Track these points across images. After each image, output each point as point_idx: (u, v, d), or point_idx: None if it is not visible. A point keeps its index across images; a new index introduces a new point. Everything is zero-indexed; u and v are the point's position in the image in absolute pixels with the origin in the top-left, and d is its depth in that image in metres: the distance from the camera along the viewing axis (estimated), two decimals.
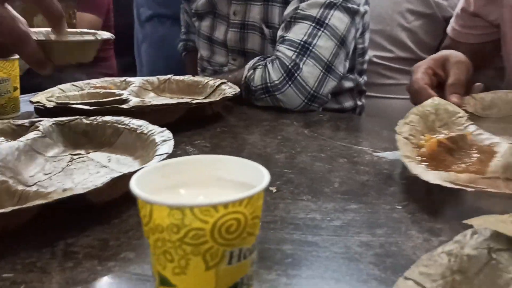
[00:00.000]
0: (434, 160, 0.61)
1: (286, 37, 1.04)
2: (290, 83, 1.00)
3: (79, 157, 0.69)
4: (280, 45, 1.04)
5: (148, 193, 0.31)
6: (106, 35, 0.70)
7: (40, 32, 0.63)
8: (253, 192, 0.30)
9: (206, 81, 1.06)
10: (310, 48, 1.01)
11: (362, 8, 1.08)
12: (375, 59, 1.49)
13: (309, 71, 1.00)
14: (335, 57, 1.03)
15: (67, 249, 0.48)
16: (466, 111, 0.73)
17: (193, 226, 0.29)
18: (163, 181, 0.34)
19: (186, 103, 0.88)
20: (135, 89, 1.02)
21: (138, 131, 0.70)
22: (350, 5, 1.05)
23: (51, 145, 0.70)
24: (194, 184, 0.35)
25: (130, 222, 0.53)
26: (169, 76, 1.10)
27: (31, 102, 0.91)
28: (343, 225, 0.53)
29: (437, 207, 0.56)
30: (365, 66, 1.28)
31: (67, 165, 0.67)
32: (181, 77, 1.10)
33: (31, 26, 0.62)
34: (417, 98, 0.78)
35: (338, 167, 0.69)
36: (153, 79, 1.10)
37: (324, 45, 1.02)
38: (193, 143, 0.79)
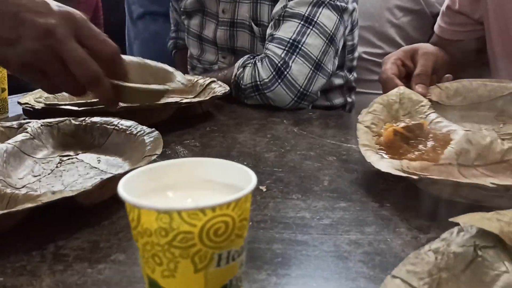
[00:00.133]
0: (390, 149, 0.63)
1: (275, 35, 1.04)
2: (279, 81, 1.00)
3: (68, 159, 0.69)
4: (270, 43, 1.04)
5: (136, 197, 0.31)
6: (178, 83, 0.71)
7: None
8: (240, 195, 0.31)
9: (196, 79, 1.06)
10: (299, 46, 1.01)
11: (350, 6, 1.09)
12: (364, 56, 1.50)
13: (299, 69, 1.01)
14: (324, 55, 1.03)
15: (57, 251, 0.48)
16: (430, 100, 0.75)
17: (181, 230, 0.29)
18: (151, 184, 0.35)
19: (176, 102, 0.88)
20: None
21: (127, 132, 0.70)
22: (338, 3, 1.05)
23: (40, 146, 0.70)
24: (182, 186, 0.35)
25: (120, 224, 0.53)
26: None
27: (19, 103, 0.90)
28: (333, 224, 0.53)
29: (425, 205, 0.56)
30: (354, 63, 1.28)
31: (57, 167, 0.67)
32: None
33: None
34: (385, 87, 0.80)
35: (327, 165, 0.70)
36: None
37: (313, 43, 1.02)
38: (183, 143, 0.79)
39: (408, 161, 0.57)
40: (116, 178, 0.47)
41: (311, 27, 1.02)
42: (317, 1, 1.03)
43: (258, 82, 1.01)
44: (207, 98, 0.94)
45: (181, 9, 1.30)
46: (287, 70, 1.00)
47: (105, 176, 0.54)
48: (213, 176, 0.36)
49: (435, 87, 0.81)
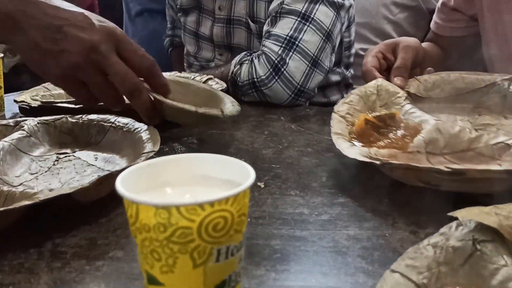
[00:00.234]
0: (361, 137, 0.65)
1: (272, 32, 1.04)
2: (276, 78, 1.00)
3: (65, 156, 0.69)
4: (266, 40, 1.04)
5: (134, 193, 0.31)
6: (234, 107, 0.73)
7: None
8: (239, 190, 0.31)
9: (192, 77, 1.05)
10: (296, 42, 1.01)
11: (347, 2, 1.09)
12: (361, 52, 1.49)
13: (296, 66, 1.00)
14: (321, 52, 1.03)
15: (54, 249, 0.48)
16: (409, 93, 0.76)
17: (180, 225, 0.29)
18: (149, 181, 0.34)
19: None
20: None
21: (125, 129, 0.70)
22: None
23: (36, 144, 0.70)
24: (180, 182, 0.35)
25: (118, 221, 0.53)
26: None
27: (15, 101, 0.90)
28: (331, 219, 0.53)
29: (423, 200, 0.56)
30: (351, 59, 1.28)
31: (53, 165, 0.66)
32: (167, 74, 1.09)
33: None
34: (365, 79, 0.81)
35: (325, 161, 0.69)
36: None
37: (310, 39, 1.02)
38: (180, 140, 0.79)
39: (376, 149, 0.59)
40: (113, 175, 0.47)
41: (308, 23, 1.02)
42: None
43: (255, 79, 1.01)
44: None
45: (177, 6, 1.29)
46: (284, 67, 1.00)
47: (102, 174, 0.54)
48: (211, 172, 0.36)
49: (413, 80, 0.81)
